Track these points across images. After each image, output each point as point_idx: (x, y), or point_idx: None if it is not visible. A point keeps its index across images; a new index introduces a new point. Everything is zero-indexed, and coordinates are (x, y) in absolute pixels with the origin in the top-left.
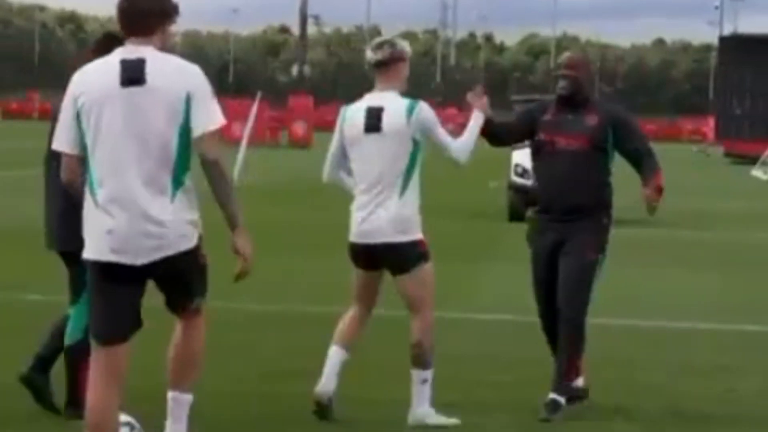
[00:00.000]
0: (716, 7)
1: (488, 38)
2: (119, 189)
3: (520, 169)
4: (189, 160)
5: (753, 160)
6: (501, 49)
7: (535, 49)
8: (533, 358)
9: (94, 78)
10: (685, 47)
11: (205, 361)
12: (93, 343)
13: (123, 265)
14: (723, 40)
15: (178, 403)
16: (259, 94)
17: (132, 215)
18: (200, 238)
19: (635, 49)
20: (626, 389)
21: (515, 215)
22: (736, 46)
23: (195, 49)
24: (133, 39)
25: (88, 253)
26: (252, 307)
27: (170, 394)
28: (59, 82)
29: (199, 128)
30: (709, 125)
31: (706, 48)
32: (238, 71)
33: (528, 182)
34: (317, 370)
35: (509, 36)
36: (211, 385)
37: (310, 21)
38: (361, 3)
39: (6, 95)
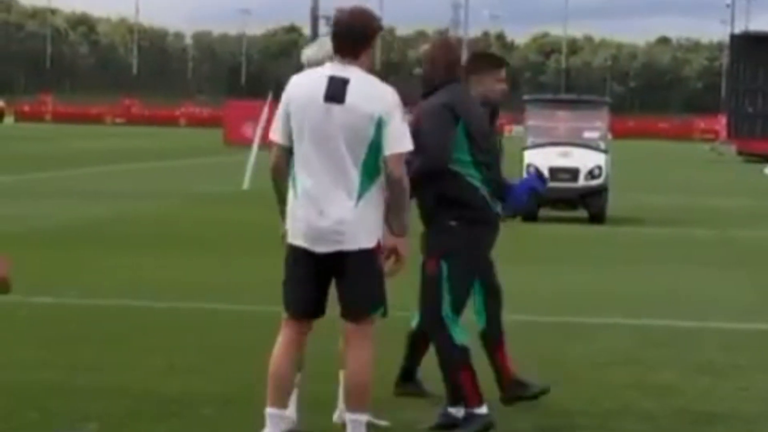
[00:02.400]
0: (728, 6)
1: (499, 37)
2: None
3: (532, 169)
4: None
5: (766, 159)
6: (512, 48)
7: (546, 48)
8: (547, 358)
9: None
10: (697, 46)
11: (217, 364)
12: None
13: (307, 251)
14: (734, 38)
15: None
16: (270, 95)
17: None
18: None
19: (647, 47)
20: (637, 389)
21: (528, 215)
22: (748, 44)
23: (206, 51)
24: (340, 59)
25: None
26: (263, 309)
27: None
28: (71, 85)
29: (387, 149)
30: (721, 124)
31: (718, 46)
32: (250, 72)
33: None
34: (333, 371)
35: (520, 35)
36: (224, 391)
37: (321, 22)
38: (372, 3)
39: (18, 98)
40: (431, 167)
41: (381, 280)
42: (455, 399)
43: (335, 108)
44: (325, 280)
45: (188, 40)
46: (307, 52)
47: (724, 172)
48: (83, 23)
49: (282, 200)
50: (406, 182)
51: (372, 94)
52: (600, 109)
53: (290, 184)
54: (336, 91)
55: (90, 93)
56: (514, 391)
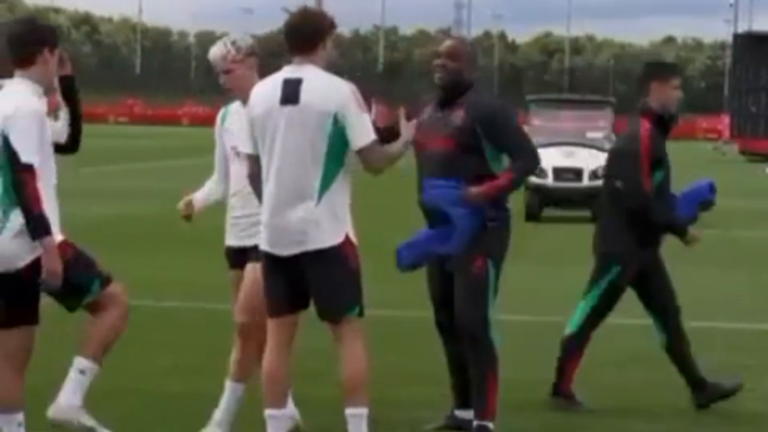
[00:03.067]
0: (731, 5)
1: (502, 37)
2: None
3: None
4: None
5: None
6: (514, 47)
7: (549, 48)
8: (554, 358)
9: (261, 96)
10: (700, 45)
11: (218, 364)
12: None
13: (273, 255)
14: (737, 37)
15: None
16: None
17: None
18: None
19: (650, 47)
20: (645, 389)
21: (532, 215)
22: (751, 43)
23: (209, 50)
24: (296, 58)
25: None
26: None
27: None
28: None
29: (355, 144)
30: (724, 123)
31: (721, 46)
32: None
33: (544, 182)
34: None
35: (523, 35)
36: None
37: None
38: (374, 4)
39: None
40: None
41: (354, 278)
42: (465, 402)
43: (292, 109)
44: (296, 279)
45: (191, 39)
46: (213, 50)
47: (726, 171)
48: (86, 23)
49: None
50: (385, 167)
51: (326, 91)
52: (604, 108)
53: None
54: (290, 92)
55: (93, 92)
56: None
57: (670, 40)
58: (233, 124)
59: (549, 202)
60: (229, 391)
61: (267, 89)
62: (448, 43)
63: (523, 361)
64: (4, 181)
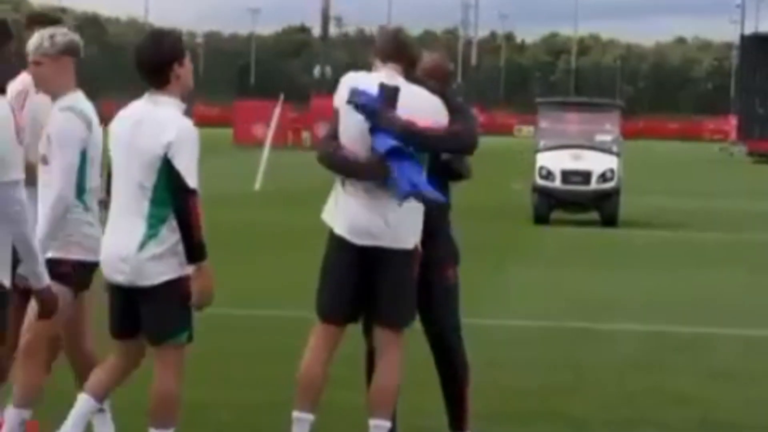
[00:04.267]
0: (738, 6)
1: (509, 37)
2: None
3: (544, 172)
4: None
5: None
6: (521, 48)
7: (556, 48)
8: (564, 364)
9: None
10: (707, 46)
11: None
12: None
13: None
14: (745, 39)
15: None
16: (281, 97)
17: None
18: None
19: (657, 48)
20: (654, 396)
21: (541, 218)
22: (758, 44)
23: (216, 51)
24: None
25: None
26: (289, 314)
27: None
28: (81, 85)
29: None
30: (731, 124)
31: (728, 47)
32: (259, 72)
33: (553, 184)
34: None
35: (530, 35)
36: (255, 396)
37: (332, 22)
38: (380, 3)
39: None
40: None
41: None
42: (460, 424)
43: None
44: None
45: (199, 40)
46: (32, 38)
47: (734, 173)
48: (93, 24)
49: None
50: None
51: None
52: (612, 112)
53: None
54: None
55: (100, 93)
56: None
57: (677, 41)
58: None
59: (557, 205)
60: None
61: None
62: (430, 61)
63: (534, 367)
64: (160, 198)
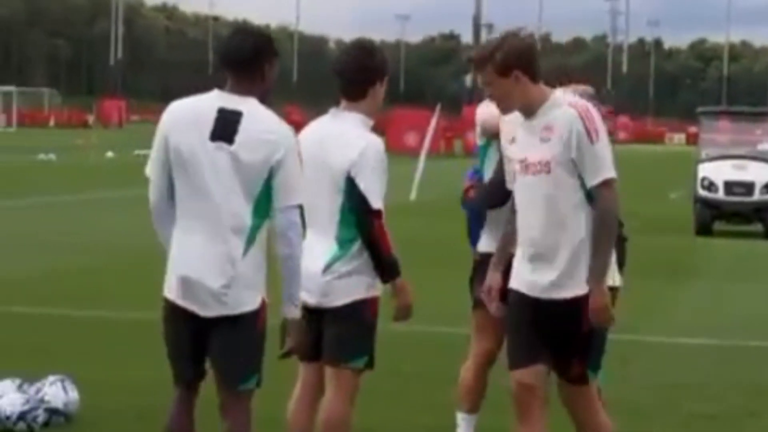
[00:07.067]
0: None
1: (657, 44)
2: None
3: (707, 182)
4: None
5: None
6: (670, 54)
7: (706, 55)
8: (741, 385)
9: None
10: None
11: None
12: None
13: None
14: None
15: None
16: (438, 107)
17: None
18: None
19: None
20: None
21: (702, 229)
22: None
23: None
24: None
25: None
26: (437, 330)
27: None
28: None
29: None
30: None
31: None
32: (408, 79)
33: (715, 195)
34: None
35: (678, 41)
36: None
37: (483, 29)
38: (532, 10)
39: None
40: None
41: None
42: None
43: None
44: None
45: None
46: None
47: None
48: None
49: None
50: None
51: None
52: None
53: None
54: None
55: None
56: None
57: None
58: None
59: (719, 216)
60: None
61: None
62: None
63: (709, 389)
64: (347, 219)
